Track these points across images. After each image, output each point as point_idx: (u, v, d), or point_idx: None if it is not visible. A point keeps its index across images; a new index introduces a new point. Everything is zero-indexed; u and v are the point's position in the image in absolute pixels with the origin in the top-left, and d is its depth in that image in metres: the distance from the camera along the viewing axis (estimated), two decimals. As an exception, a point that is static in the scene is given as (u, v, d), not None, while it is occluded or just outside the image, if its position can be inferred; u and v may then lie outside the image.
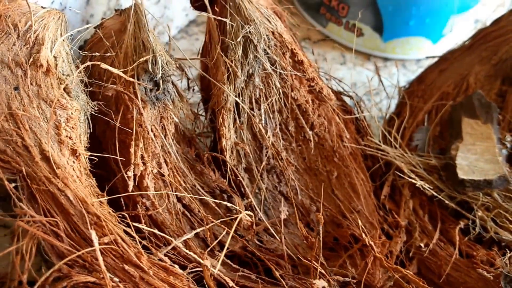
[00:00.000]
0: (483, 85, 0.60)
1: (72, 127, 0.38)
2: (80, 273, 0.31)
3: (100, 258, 0.31)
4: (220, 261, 0.36)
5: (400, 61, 0.76)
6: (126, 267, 0.32)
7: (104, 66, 0.43)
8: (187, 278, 0.37)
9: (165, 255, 0.41)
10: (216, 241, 0.46)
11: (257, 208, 0.54)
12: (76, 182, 0.35)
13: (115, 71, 0.44)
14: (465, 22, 0.74)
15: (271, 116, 0.56)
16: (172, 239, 0.37)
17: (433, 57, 0.64)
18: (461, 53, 0.62)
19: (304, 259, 0.49)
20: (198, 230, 0.45)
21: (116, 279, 0.32)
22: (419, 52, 0.75)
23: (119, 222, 0.37)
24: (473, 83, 0.60)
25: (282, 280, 0.46)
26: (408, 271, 0.46)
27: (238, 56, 0.52)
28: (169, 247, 0.39)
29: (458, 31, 0.74)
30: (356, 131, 0.60)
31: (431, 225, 0.54)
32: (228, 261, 0.47)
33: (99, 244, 0.32)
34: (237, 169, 0.54)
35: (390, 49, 0.74)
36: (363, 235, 0.49)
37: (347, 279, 0.46)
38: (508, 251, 0.49)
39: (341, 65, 0.74)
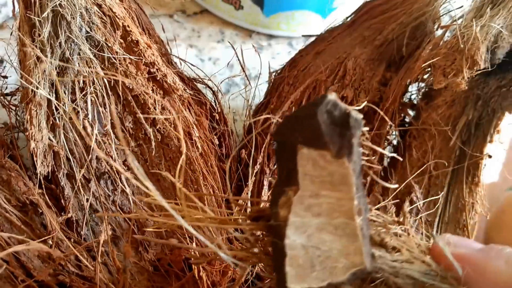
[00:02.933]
0: (363, 71, 0.47)
1: None
2: None
3: None
4: None
5: (286, 38, 0.63)
6: None
7: None
8: None
9: None
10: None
11: (80, 224, 0.42)
12: None
13: None
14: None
15: (101, 110, 0.43)
16: None
17: (310, 36, 0.51)
18: (341, 31, 0.50)
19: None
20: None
21: None
22: (307, 28, 0.62)
23: None
24: (351, 69, 0.47)
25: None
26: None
27: (44, 36, 0.39)
28: None
29: (351, 3, 0.61)
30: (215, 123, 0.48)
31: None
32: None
33: None
34: (57, 176, 0.42)
35: (274, 24, 0.61)
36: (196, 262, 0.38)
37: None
38: None
39: (218, 43, 0.61)
